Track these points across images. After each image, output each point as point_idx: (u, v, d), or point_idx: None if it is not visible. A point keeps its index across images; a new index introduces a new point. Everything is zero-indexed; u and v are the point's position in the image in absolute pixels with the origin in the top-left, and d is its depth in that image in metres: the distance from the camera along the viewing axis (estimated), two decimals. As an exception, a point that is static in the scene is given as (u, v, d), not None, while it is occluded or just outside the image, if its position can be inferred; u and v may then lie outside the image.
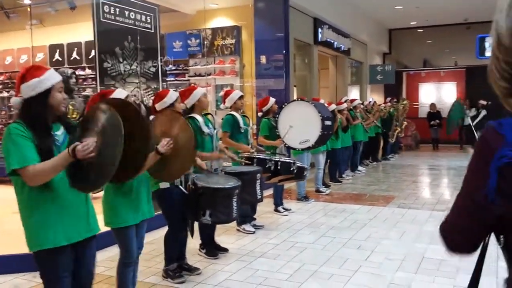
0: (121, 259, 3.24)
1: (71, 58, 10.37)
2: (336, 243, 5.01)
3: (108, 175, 2.18)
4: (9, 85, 11.28)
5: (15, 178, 2.30)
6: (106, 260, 4.37)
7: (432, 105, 16.08)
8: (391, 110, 12.29)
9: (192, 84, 9.20)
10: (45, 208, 2.32)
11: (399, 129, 12.58)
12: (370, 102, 11.82)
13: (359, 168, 10.19)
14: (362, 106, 10.41)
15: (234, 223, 5.37)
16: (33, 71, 2.34)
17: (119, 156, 2.12)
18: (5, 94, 10.88)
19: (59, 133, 2.41)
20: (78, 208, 2.44)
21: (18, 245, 4.38)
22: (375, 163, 11.68)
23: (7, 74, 11.43)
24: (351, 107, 9.45)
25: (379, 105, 11.99)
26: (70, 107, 4.27)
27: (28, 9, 7.94)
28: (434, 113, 15.72)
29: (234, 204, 3.87)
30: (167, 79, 9.28)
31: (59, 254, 2.37)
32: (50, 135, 2.31)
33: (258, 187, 4.47)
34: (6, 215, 5.58)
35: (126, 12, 5.88)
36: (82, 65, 10.16)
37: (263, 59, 9.65)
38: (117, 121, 2.18)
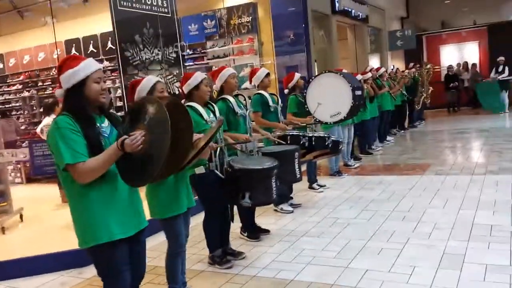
0: (170, 250, 3.17)
1: (88, 52, 10.29)
2: (379, 216, 4.87)
3: (157, 167, 2.09)
4: (30, 84, 11.28)
5: (65, 174, 2.20)
6: (148, 250, 4.31)
7: (450, 67, 15.70)
8: (415, 76, 11.95)
9: (214, 67, 9.05)
10: (99, 201, 2.23)
11: (425, 94, 12.25)
12: (392, 69, 11.50)
13: (388, 138, 9.95)
14: (387, 74, 10.11)
15: (271, 204, 5.27)
16: (69, 61, 2.25)
17: (166, 149, 2.04)
18: (26, 94, 10.85)
19: (105, 125, 2.32)
20: (130, 201, 2.35)
21: (60, 242, 4.38)
22: (402, 131, 11.40)
23: (26, 74, 11.44)
24: (377, 76, 9.17)
25: (403, 71, 11.66)
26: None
27: (48, 4, 7.82)
28: (451, 76, 15.31)
29: (273, 184, 3.74)
30: (186, 64, 9.13)
31: (116, 248, 2.29)
32: (94, 126, 2.22)
33: (297, 165, 4.34)
34: (45, 214, 5.57)
35: (142, -2, 5.73)
36: (100, 58, 10.08)
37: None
38: (164, 113, 2.10)
